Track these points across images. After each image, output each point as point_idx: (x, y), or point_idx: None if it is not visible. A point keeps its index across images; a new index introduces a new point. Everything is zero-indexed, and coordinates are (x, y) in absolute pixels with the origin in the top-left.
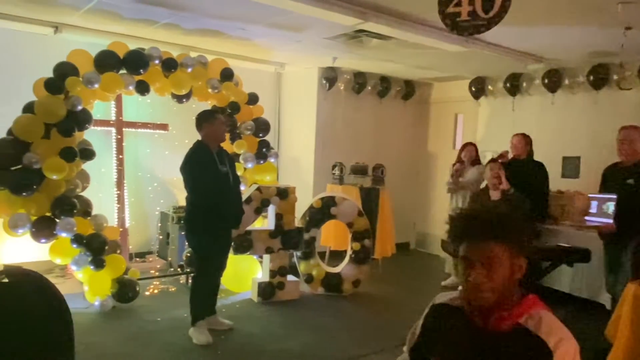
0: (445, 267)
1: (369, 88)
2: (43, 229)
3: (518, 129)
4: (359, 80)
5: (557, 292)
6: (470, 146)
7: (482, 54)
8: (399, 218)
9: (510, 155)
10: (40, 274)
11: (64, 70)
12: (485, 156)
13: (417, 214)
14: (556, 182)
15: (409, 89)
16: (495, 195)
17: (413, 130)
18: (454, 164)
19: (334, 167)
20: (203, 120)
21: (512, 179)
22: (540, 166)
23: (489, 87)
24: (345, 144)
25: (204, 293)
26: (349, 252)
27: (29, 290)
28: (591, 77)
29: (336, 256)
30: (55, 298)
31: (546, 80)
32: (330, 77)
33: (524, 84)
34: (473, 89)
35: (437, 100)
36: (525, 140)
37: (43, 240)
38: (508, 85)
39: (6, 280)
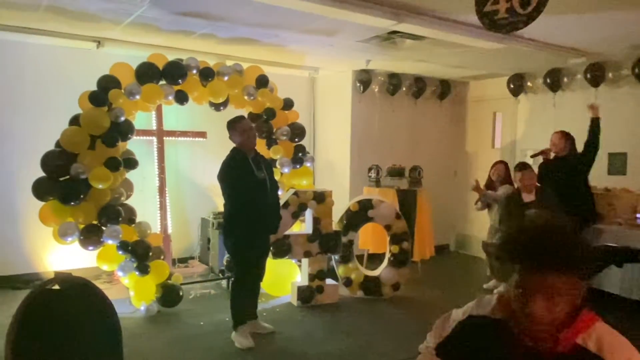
0: (487, 269)
1: (404, 89)
2: (91, 236)
3: (560, 125)
4: (394, 82)
5: (606, 294)
6: (499, 165)
7: (521, 50)
8: (437, 220)
9: (552, 154)
10: (89, 280)
11: (107, 83)
12: (526, 154)
13: (456, 215)
14: (602, 179)
15: (445, 88)
16: (527, 197)
17: (450, 130)
18: (477, 188)
19: (370, 169)
20: (228, 129)
21: (553, 177)
22: (581, 158)
23: (528, 83)
24: (381, 146)
25: (243, 297)
26: (388, 255)
27: (80, 297)
28: (636, 70)
29: (375, 259)
30: (103, 303)
31: (588, 75)
32: (364, 79)
33: (565, 79)
34: (511, 86)
35: (474, 98)
36: (565, 137)
37: (91, 248)
38: (548, 81)
39: (57, 287)
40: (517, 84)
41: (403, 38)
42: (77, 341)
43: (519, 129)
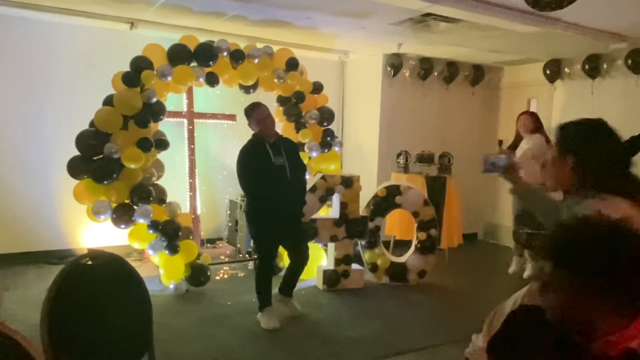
0: (514, 253)
1: (435, 74)
2: (122, 215)
3: (598, 113)
4: (425, 66)
5: None
6: (523, 115)
7: (559, 34)
8: (466, 208)
9: None
10: (122, 257)
11: (140, 64)
12: None
13: (485, 203)
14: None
15: (478, 73)
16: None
17: (482, 116)
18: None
19: (398, 155)
20: (246, 116)
21: None
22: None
23: (566, 69)
24: (411, 132)
25: (266, 281)
26: (415, 242)
27: (112, 272)
28: None
29: (401, 246)
30: (135, 280)
31: (630, 61)
32: (395, 63)
33: (605, 66)
34: (548, 72)
35: (508, 84)
36: None
37: (123, 226)
38: (587, 67)
39: (90, 262)
40: (554, 70)
41: (437, 21)
42: (109, 314)
43: (554, 117)
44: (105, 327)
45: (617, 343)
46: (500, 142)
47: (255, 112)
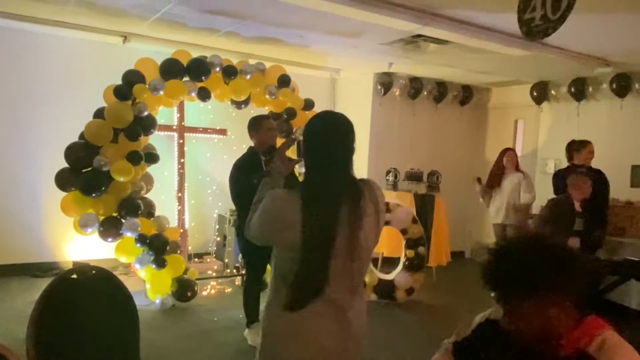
0: None
1: (425, 93)
2: (110, 228)
3: (583, 135)
4: (415, 86)
5: (625, 308)
6: (511, 151)
7: (545, 58)
8: (454, 226)
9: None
10: (109, 271)
11: (132, 78)
12: (547, 164)
13: (472, 222)
14: (625, 191)
15: (467, 94)
16: (579, 206)
17: (470, 136)
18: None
19: (388, 173)
20: (250, 128)
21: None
22: (598, 174)
23: (552, 91)
24: (400, 150)
25: (255, 296)
26: (403, 260)
27: (99, 287)
28: None
29: (389, 263)
30: (123, 294)
31: (614, 85)
32: (385, 82)
33: (590, 89)
34: (535, 94)
35: (496, 105)
36: (569, 146)
37: (110, 239)
38: (573, 89)
39: (75, 276)
40: (541, 92)
41: (427, 42)
42: (96, 328)
43: (541, 138)
44: (91, 341)
45: (567, 345)
46: (479, 180)
47: (265, 122)
